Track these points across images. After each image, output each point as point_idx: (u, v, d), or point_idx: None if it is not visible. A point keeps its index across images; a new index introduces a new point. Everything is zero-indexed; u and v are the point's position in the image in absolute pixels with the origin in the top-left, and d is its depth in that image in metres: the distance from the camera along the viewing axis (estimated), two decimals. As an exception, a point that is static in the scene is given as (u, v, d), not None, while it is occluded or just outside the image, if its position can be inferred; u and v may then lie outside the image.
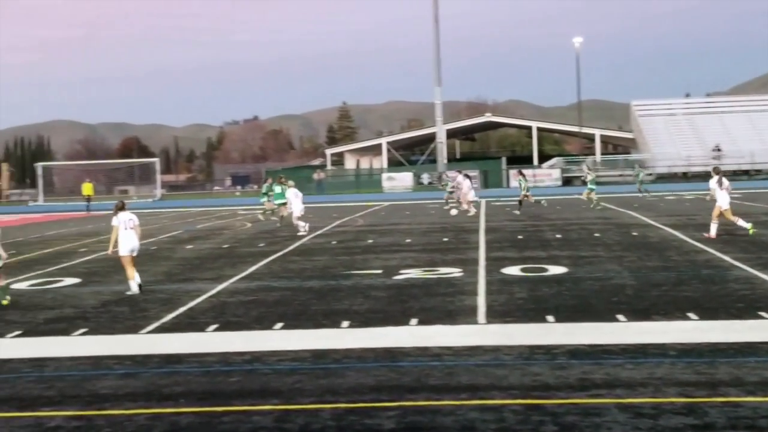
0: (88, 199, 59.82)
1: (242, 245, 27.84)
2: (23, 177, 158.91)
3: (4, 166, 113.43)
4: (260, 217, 40.12)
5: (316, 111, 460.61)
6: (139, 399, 9.56)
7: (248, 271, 20.60)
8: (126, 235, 17.93)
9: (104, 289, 18.42)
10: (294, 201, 32.38)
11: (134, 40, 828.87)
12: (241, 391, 9.78)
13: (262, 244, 27.62)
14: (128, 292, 17.62)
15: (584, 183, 45.65)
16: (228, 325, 13.86)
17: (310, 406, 9.08)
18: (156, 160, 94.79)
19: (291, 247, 26.17)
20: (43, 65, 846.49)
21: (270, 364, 11.01)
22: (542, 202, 42.45)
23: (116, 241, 17.86)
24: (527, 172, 49.73)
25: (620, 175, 76.39)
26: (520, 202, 39.89)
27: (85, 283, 19.54)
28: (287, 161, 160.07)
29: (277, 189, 36.16)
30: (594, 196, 41.28)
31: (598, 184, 44.14)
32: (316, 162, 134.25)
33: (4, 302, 17.86)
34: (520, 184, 40.50)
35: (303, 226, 31.44)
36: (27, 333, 13.80)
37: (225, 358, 11.43)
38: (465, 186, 41.07)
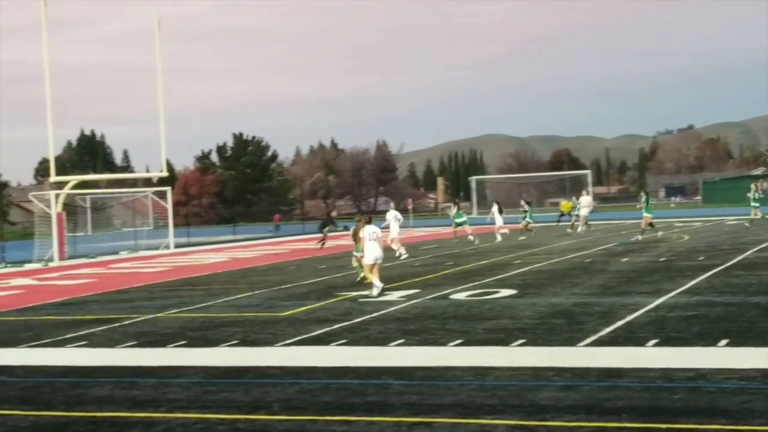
0: (562, 214, 56.81)
1: (680, 258, 27.08)
2: (457, 191, 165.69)
3: (440, 180, 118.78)
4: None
5: (756, 117, 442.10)
6: (580, 412, 9.42)
7: (687, 285, 19.89)
8: (370, 246, 20.78)
9: (540, 301, 18.55)
10: (393, 224, 33.60)
11: (562, 54, 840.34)
12: (686, 408, 9.34)
13: (701, 258, 26.69)
14: (371, 296, 20.20)
15: None
16: (668, 340, 13.37)
17: (761, 427, 8.48)
18: (587, 172, 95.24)
19: (733, 261, 25.05)
20: (476, 82, 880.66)
21: (716, 382, 10.44)
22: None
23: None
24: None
25: None
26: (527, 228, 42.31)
27: (521, 294, 19.81)
28: (725, 171, 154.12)
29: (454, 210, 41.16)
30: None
31: None
32: (757, 171, 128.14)
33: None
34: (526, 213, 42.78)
35: (399, 249, 32.96)
36: (467, 342, 14.15)
37: (667, 374, 11.00)
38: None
